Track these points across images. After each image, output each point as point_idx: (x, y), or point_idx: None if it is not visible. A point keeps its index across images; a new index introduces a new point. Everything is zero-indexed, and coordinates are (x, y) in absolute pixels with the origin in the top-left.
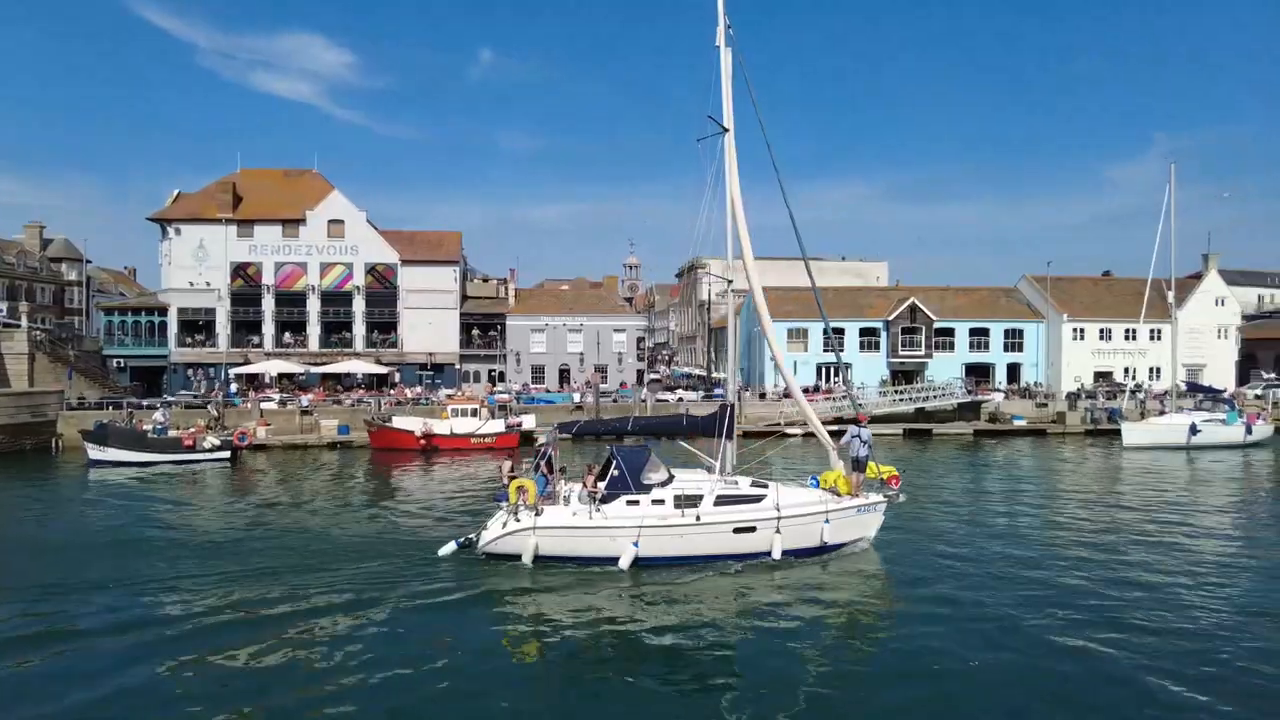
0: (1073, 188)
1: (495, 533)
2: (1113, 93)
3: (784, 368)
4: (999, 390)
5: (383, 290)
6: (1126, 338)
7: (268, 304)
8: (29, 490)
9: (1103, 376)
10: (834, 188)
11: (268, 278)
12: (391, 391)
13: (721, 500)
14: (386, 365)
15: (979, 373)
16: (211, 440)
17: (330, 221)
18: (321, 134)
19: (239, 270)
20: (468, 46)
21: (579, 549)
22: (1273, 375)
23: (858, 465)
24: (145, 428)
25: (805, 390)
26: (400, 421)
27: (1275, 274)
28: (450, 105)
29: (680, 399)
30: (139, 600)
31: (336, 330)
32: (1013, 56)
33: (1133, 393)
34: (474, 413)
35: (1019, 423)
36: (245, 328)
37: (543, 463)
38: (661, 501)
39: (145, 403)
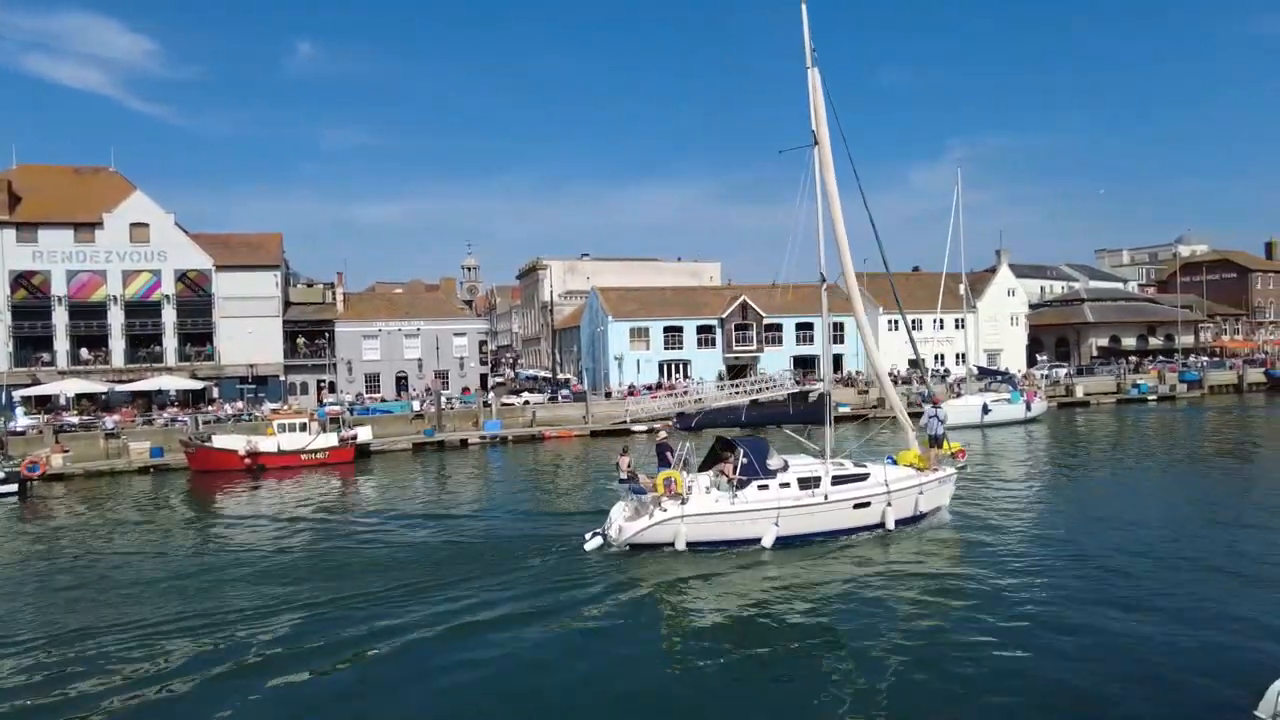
0: (882, 190)
1: (641, 524)
2: (913, 101)
3: (874, 355)
4: (822, 380)
5: (196, 298)
6: (937, 326)
7: (59, 317)
8: None
9: (915, 364)
10: (663, 189)
11: (58, 288)
12: (210, 408)
13: (837, 480)
14: (203, 379)
15: (806, 364)
16: None
17: (132, 225)
18: (118, 128)
19: (21, 279)
20: (283, 38)
21: (725, 533)
22: (1045, 358)
23: (935, 442)
24: None
25: (649, 387)
26: (221, 440)
27: (1053, 267)
28: (266, 99)
29: (526, 402)
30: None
31: (144, 343)
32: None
33: (942, 377)
34: (303, 427)
35: (844, 409)
36: (31, 344)
37: (668, 454)
38: (787, 485)
39: None
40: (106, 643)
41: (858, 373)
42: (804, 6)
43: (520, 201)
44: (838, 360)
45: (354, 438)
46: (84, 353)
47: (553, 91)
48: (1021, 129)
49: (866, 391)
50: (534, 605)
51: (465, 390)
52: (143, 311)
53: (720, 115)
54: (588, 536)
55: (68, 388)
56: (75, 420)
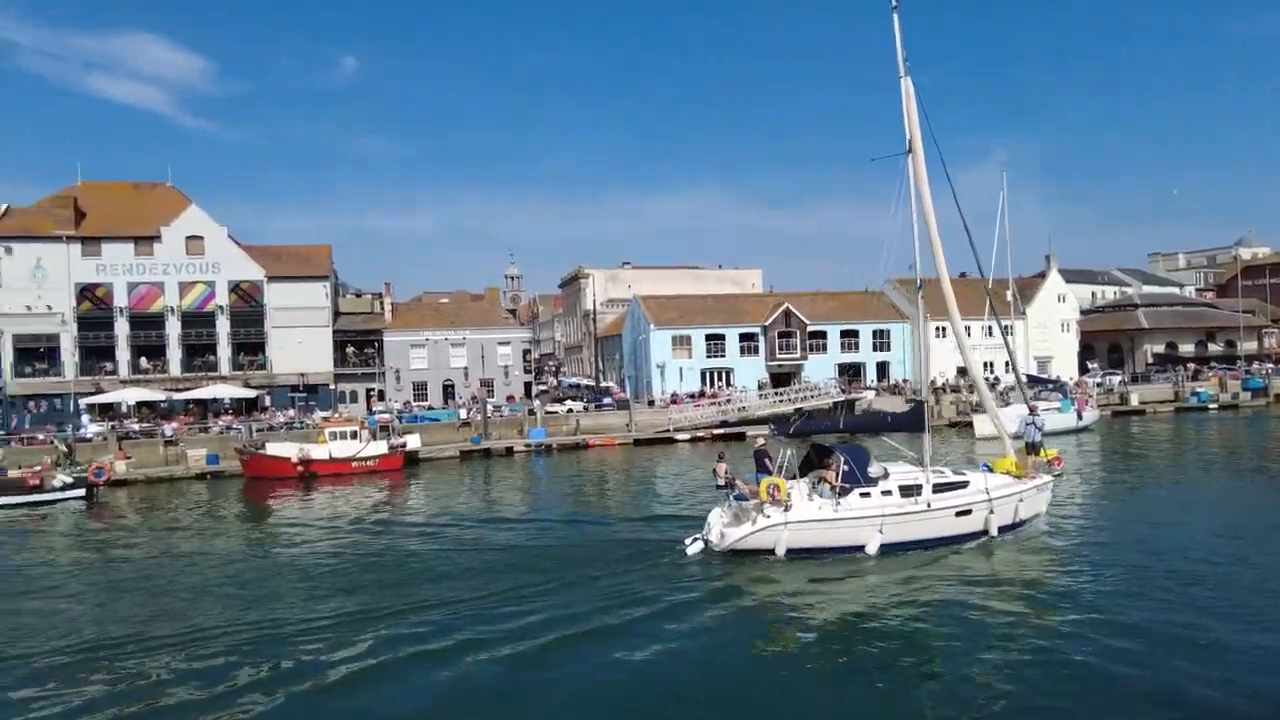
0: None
1: (744, 530)
2: (956, 101)
3: (970, 359)
4: (870, 388)
5: (248, 309)
6: (988, 334)
7: (121, 327)
8: None
9: (963, 372)
10: (688, 195)
11: (120, 299)
12: (262, 416)
13: (938, 488)
14: (256, 388)
15: (851, 372)
16: (62, 478)
17: (188, 238)
18: (173, 144)
19: (86, 292)
20: (329, 52)
21: (828, 540)
22: (1097, 365)
23: (1033, 449)
24: None
25: (691, 396)
26: (275, 448)
27: (1104, 272)
28: (311, 112)
29: (570, 410)
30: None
31: (200, 353)
32: (855, 63)
33: (991, 386)
34: (354, 435)
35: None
36: (96, 354)
37: (766, 460)
38: (889, 492)
39: None
40: (165, 646)
41: (905, 380)
42: (895, 16)
43: (561, 210)
44: (883, 368)
45: (403, 445)
46: (144, 362)
47: (586, 99)
48: (1065, 129)
49: (914, 400)
50: (638, 610)
51: (510, 398)
52: (198, 322)
53: (756, 119)
54: (687, 541)
55: (129, 396)
56: (136, 427)
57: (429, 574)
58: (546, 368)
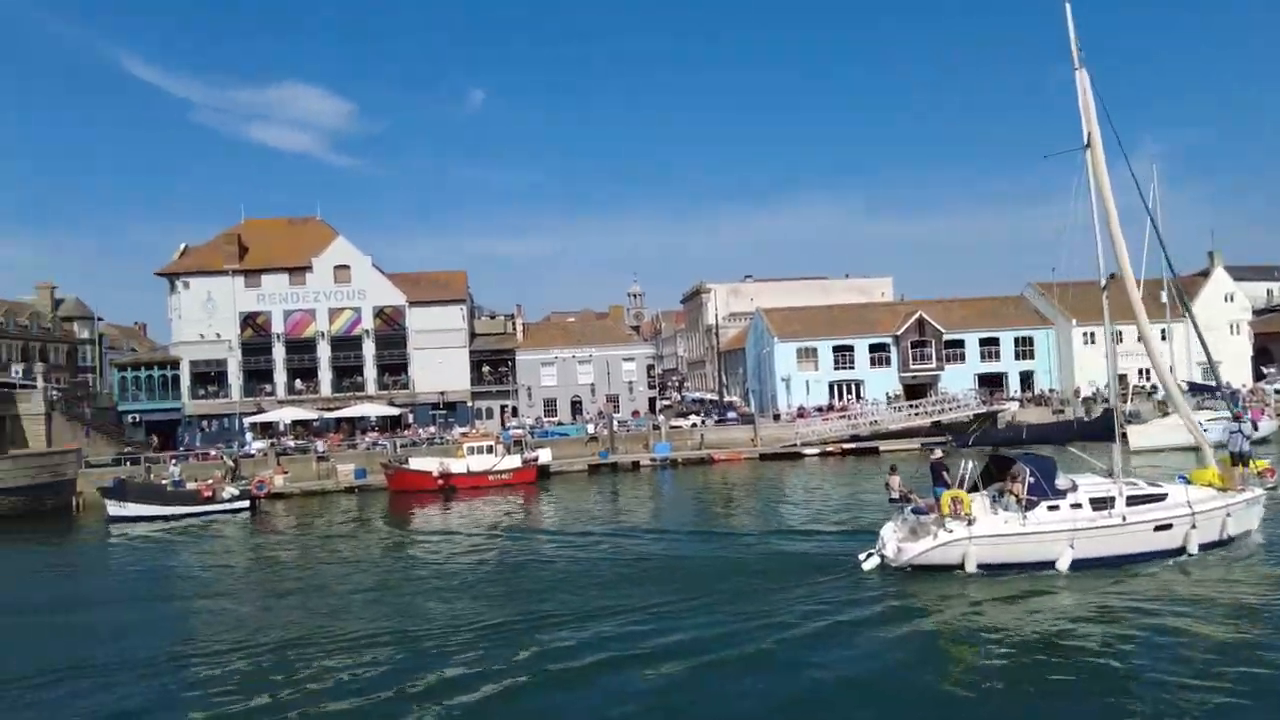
0: (1059, 191)
1: (924, 544)
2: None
3: (1160, 364)
4: (1014, 399)
5: (392, 332)
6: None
7: (278, 352)
8: (74, 550)
9: (1121, 379)
10: (815, 204)
11: (277, 326)
12: (405, 432)
13: (1133, 500)
14: (399, 406)
15: (991, 383)
16: (230, 490)
17: (336, 267)
18: (321, 182)
19: (248, 320)
20: (459, 89)
21: (1016, 555)
22: (1276, 370)
23: (1240, 459)
24: (162, 481)
25: (819, 409)
26: (417, 462)
27: None
28: (442, 146)
29: (694, 424)
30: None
31: (348, 374)
32: (988, 61)
33: (1148, 394)
34: (490, 449)
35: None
36: (257, 376)
37: (944, 473)
38: (1079, 505)
39: (163, 456)
40: (318, 648)
41: (1052, 390)
42: (1068, 6)
43: (681, 226)
44: (1027, 377)
45: (535, 459)
46: (298, 383)
47: (706, 115)
48: (1227, 117)
49: (1062, 411)
50: (815, 624)
51: (635, 413)
52: (346, 345)
53: (875, 121)
54: (862, 557)
55: (286, 415)
56: (293, 444)
57: (574, 583)
58: (670, 383)
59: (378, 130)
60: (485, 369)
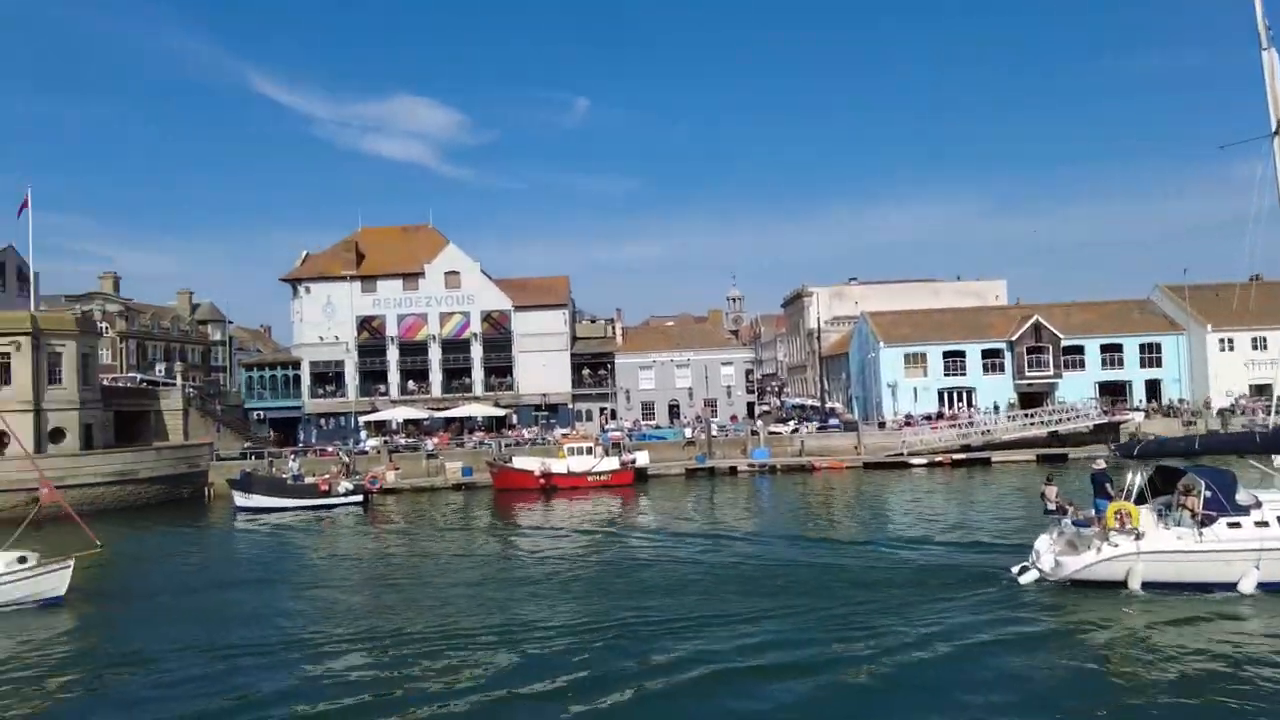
0: (1197, 186)
1: (1086, 559)
2: (1231, 82)
3: None
4: (1138, 409)
5: (498, 336)
6: None
7: (392, 354)
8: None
9: (1260, 390)
10: (932, 205)
11: (391, 329)
12: (509, 432)
13: None
14: (504, 407)
15: (1114, 391)
16: (345, 485)
17: (447, 273)
18: (433, 190)
19: (364, 323)
20: (565, 98)
21: (1191, 574)
22: None
23: None
24: (283, 475)
25: (927, 417)
26: (520, 461)
27: None
28: (547, 154)
29: (794, 430)
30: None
31: (456, 376)
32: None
33: None
34: (589, 451)
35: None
36: (372, 377)
37: (1107, 485)
38: (1265, 523)
39: (284, 451)
40: (423, 639)
41: (1182, 401)
42: None
43: (781, 228)
44: (1153, 386)
45: (633, 462)
46: (410, 384)
47: (806, 113)
48: None
49: (1194, 423)
50: (977, 640)
51: (733, 418)
52: (455, 348)
53: (985, 118)
54: (1015, 570)
55: (398, 414)
56: (404, 442)
57: (680, 589)
58: (769, 388)
59: (487, 140)
60: (585, 372)
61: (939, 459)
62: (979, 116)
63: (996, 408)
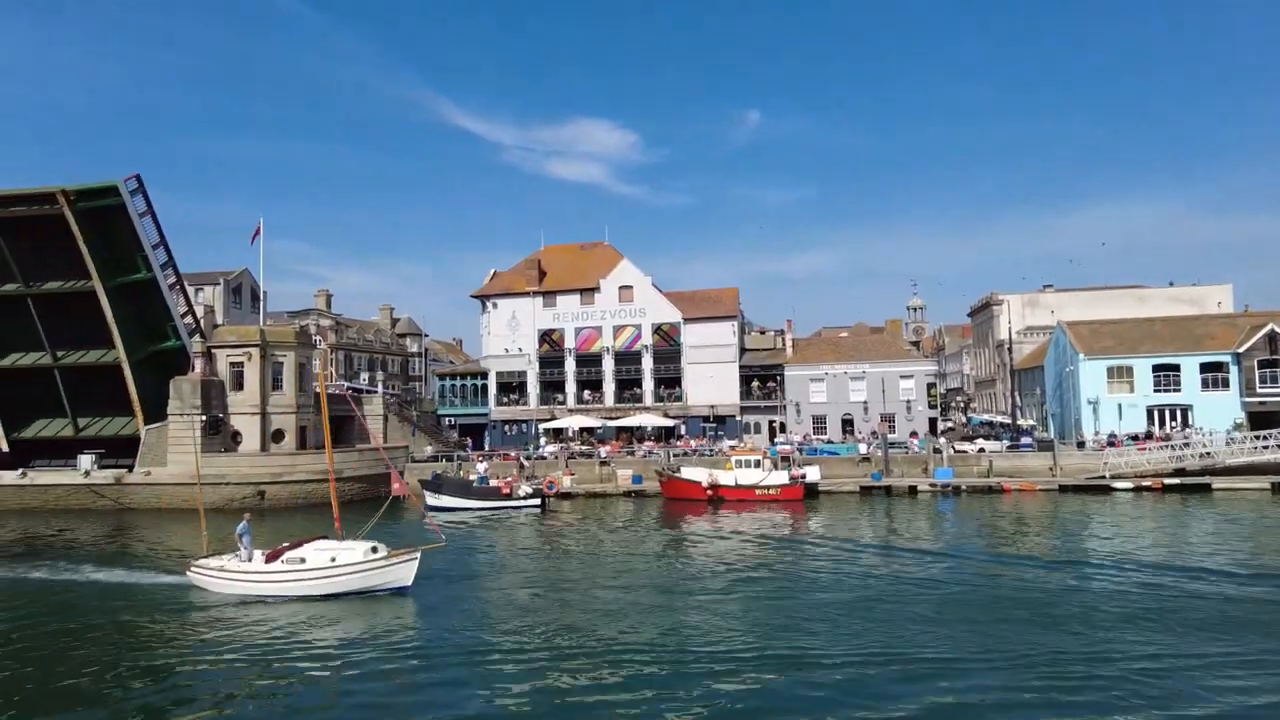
0: None
1: None
2: None
3: None
4: None
5: (668, 348)
6: None
7: (569, 365)
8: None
9: None
10: (1124, 205)
11: (569, 342)
12: (678, 443)
13: None
14: (673, 418)
15: None
16: (525, 488)
17: (621, 287)
18: (608, 209)
19: (545, 336)
20: (735, 111)
21: None
22: None
23: None
24: (470, 478)
25: (1133, 437)
26: (688, 472)
27: None
28: (716, 169)
29: (981, 449)
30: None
31: (628, 386)
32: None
33: None
34: (757, 464)
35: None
36: (551, 387)
37: None
38: None
39: (472, 455)
40: (588, 643)
41: None
42: None
43: (966, 236)
44: None
45: (803, 476)
46: (585, 394)
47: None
48: None
49: None
50: None
51: (912, 435)
52: (627, 360)
53: (1196, 109)
54: None
55: (574, 423)
56: (579, 449)
57: (861, 615)
58: (954, 403)
59: (658, 158)
60: (754, 384)
61: (1148, 483)
62: (1200, 106)
63: (1239, 426)
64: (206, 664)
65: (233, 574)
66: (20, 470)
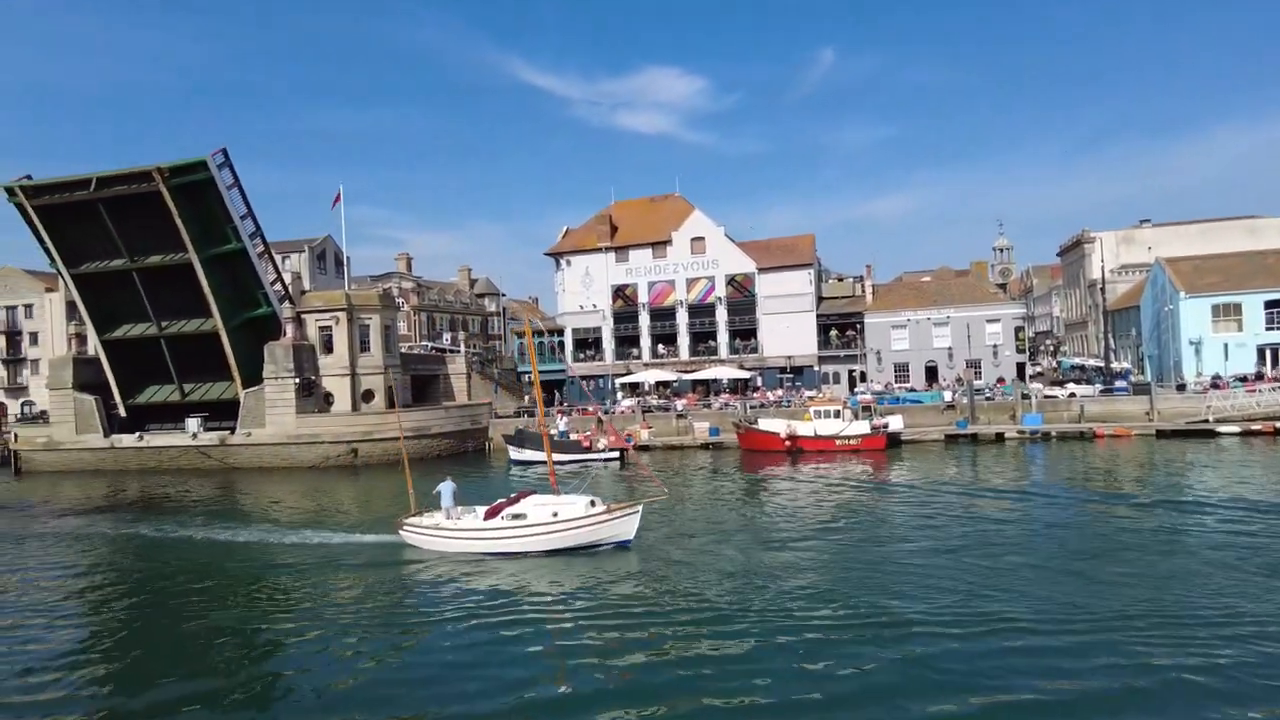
0: None
1: None
2: None
3: None
4: None
5: (742, 299)
6: None
7: (643, 320)
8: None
9: None
10: (1228, 133)
11: (642, 296)
12: (754, 395)
13: None
14: (749, 370)
15: None
16: (604, 442)
17: (693, 239)
18: (678, 159)
19: (618, 292)
20: (807, 51)
21: None
22: None
23: None
24: (551, 432)
25: (1241, 379)
26: (766, 424)
27: None
28: (789, 112)
29: (1072, 394)
30: None
31: (702, 340)
32: None
33: None
34: (837, 414)
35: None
36: (626, 342)
37: None
38: None
39: (552, 410)
40: (673, 610)
41: None
42: None
43: (1056, 174)
44: None
45: (885, 426)
46: (660, 348)
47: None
48: None
49: None
50: None
51: (1000, 380)
52: (701, 312)
53: None
54: None
55: (650, 377)
56: (655, 403)
57: (961, 574)
58: (1043, 347)
59: (728, 104)
60: (833, 332)
61: (1256, 426)
62: None
63: None
64: (446, 618)
65: (451, 531)
66: (138, 434)
